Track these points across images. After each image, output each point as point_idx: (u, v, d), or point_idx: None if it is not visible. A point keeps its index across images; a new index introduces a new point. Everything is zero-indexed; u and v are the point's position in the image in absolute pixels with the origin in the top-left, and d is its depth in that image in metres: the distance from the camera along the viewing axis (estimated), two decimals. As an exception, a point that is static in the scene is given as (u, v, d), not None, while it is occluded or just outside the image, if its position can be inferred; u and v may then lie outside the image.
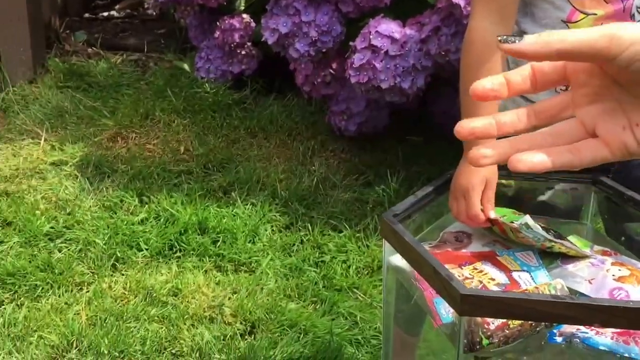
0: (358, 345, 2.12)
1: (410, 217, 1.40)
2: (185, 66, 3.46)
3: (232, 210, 2.64)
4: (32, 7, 3.23)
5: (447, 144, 3.10)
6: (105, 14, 4.02)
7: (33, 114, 3.08)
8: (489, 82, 0.55)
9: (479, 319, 1.12)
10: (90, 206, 2.58)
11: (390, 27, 2.50)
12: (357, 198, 2.80)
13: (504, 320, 1.12)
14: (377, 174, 2.94)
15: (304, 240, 2.55)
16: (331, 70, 2.92)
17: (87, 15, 3.96)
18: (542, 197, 1.60)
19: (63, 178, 2.72)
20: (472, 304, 1.07)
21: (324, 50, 2.65)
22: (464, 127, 0.57)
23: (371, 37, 2.49)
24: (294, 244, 2.53)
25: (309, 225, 2.60)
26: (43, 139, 2.94)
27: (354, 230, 2.60)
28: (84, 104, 3.17)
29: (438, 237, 1.45)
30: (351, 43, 2.58)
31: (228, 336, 2.08)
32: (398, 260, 1.34)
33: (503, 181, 1.50)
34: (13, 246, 2.37)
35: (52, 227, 2.46)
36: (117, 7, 4.08)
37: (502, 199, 1.48)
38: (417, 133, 3.17)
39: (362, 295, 2.32)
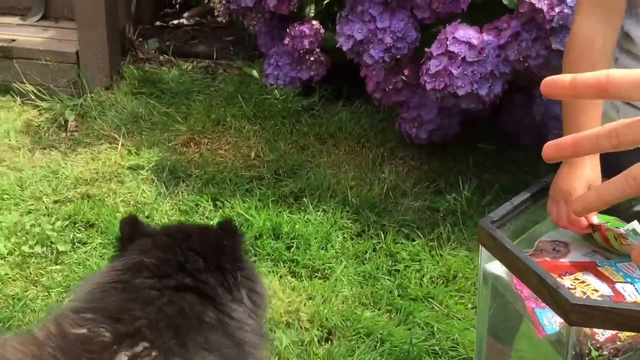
0: (436, 356, 2.10)
1: (505, 225, 1.37)
2: (254, 73, 3.49)
3: (304, 217, 2.64)
4: (109, 15, 3.30)
5: (520, 152, 3.06)
6: (175, 21, 4.08)
7: (110, 119, 3.15)
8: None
9: (587, 330, 1.09)
10: (167, 210, 2.62)
11: (467, 33, 2.48)
12: (428, 206, 2.78)
13: (615, 331, 1.09)
14: (448, 182, 2.91)
15: (377, 248, 2.54)
16: (403, 77, 2.90)
17: (158, 23, 4.03)
18: (638, 207, 1.56)
19: (140, 182, 2.77)
20: (582, 314, 1.04)
21: (398, 56, 2.64)
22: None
23: (448, 43, 2.46)
24: (366, 252, 2.52)
25: (381, 233, 2.59)
26: (120, 144, 3.00)
27: (427, 239, 2.58)
28: (157, 109, 3.23)
29: (533, 245, 1.42)
30: (426, 49, 2.56)
31: (306, 342, 2.08)
32: (495, 267, 1.32)
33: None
34: (97, 247, 2.42)
35: (131, 230, 2.51)
36: (185, 14, 4.14)
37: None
38: (489, 141, 3.13)
39: (437, 305, 2.29)
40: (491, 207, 2.77)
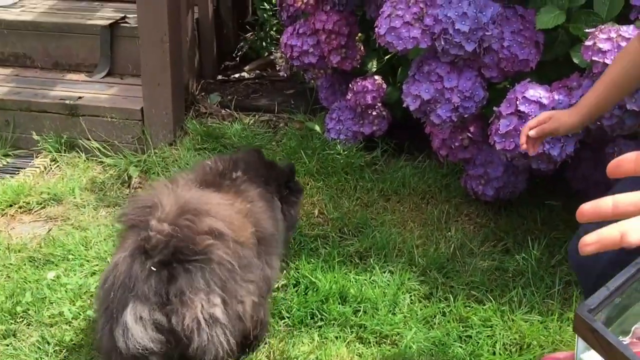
0: None
1: (600, 311, 1.30)
2: (317, 127, 3.48)
3: (370, 278, 2.59)
4: (175, 72, 3.35)
5: (589, 209, 2.96)
6: (237, 75, 4.13)
7: (173, 175, 3.17)
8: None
9: None
10: (232, 271, 2.60)
11: (537, 92, 2.42)
12: (497, 266, 2.70)
13: None
14: (516, 240, 2.83)
15: (446, 312, 2.47)
16: (469, 134, 2.86)
17: (219, 77, 4.08)
18: None
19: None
20: None
21: (465, 115, 2.59)
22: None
23: (518, 102, 2.41)
24: (435, 316, 2.45)
25: (450, 295, 2.52)
26: (184, 202, 3.01)
27: (498, 302, 2.50)
28: (220, 165, 3.23)
29: (629, 332, 1.35)
30: (495, 108, 2.52)
31: (378, 415, 2.01)
32: (592, 358, 1.24)
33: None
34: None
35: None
36: (246, 68, 4.19)
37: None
38: (555, 197, 3.05)
39: (512, 375, 2.20)
40: (561, 267, 2.68)
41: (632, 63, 1.84)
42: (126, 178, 3.26)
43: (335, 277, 2.54)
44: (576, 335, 1.29)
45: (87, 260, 2.70)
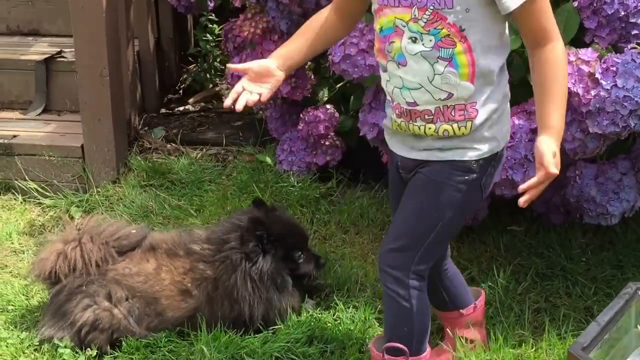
0: None
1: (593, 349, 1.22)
2: (268, 159, 3.37)
3: (334, 315, 2.49)
4: (116, 106, 3.21)
5: (550, 233, 2.92)
6: (181, 108, 3.99)
7: (118, 215, 3.00)
8: None
9: None
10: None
11: (500, 118, 2.37)
12: (463, 297, 2.61)
13: None
14: (480, 268, 2.77)
15: (416, 347, 2.36)
16: (427, 161, 2.79)
17: (163, 110, 3.94)
18: None
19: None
20: None
21: (423, 143, 2.52)
22: None
23: (481, 129, 2.35)
24: (405, 353, 2.34)
25: (418, 329, 2.42)
26: (131, 243, 2.84)
27: (468, 335, 2.40)
28: (168, 202, 3.09)
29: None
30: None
31: None
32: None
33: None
34: None
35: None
36: (191, 100, 4.06)
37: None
38: (517, 222, 3.00)
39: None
40: (529, 294, 2.62)
41: (324, 30, 1.97)
42: (68, 219, 3.08)
43: (298, 318, 2.41)
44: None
45: (29, 311, 2.51)
